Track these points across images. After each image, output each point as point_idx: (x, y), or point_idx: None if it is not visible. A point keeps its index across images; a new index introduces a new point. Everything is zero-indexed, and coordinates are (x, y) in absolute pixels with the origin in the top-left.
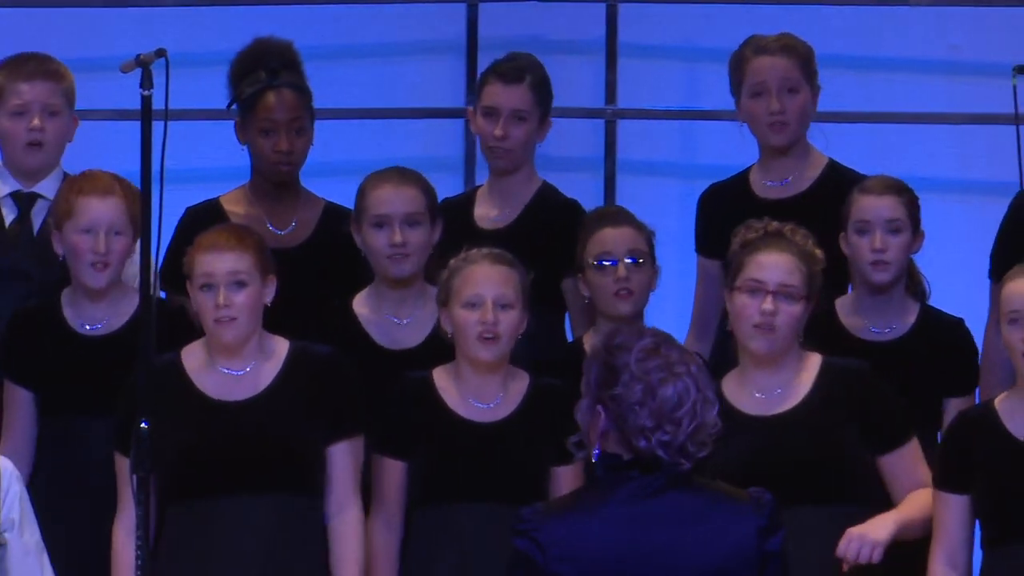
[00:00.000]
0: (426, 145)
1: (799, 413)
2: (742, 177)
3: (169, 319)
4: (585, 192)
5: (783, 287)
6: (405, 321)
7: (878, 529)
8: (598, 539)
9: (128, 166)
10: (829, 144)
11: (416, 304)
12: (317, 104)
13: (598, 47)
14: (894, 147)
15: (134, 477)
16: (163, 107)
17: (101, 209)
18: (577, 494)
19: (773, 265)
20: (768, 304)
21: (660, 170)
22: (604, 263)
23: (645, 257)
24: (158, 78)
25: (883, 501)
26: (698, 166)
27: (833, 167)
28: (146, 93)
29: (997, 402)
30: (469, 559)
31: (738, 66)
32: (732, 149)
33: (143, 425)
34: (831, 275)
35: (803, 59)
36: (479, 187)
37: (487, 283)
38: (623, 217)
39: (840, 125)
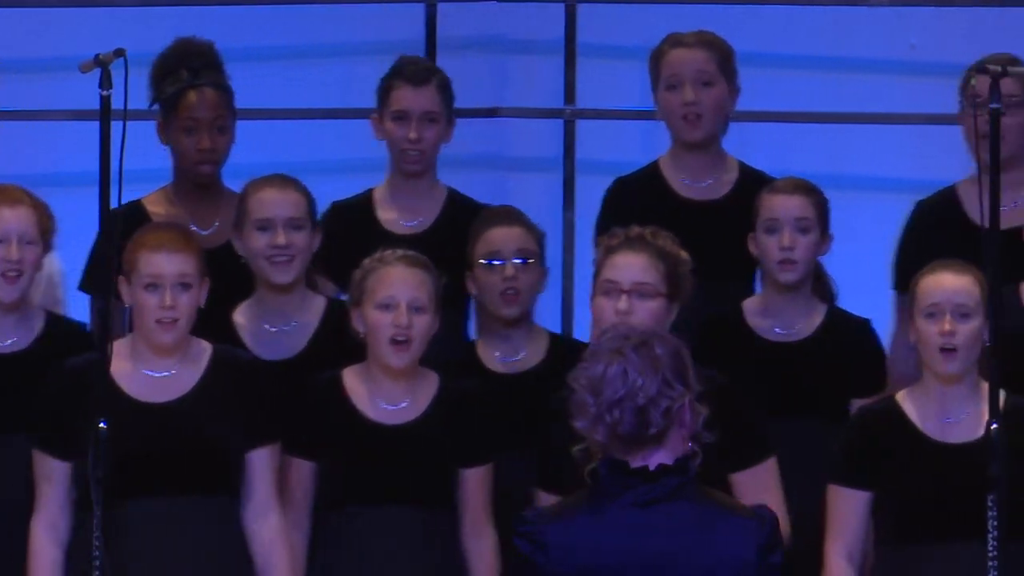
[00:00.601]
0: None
1: None
2: (653, 172)
3: (72, 340)
4: (544, 193)
5: (637, 285)
6: (284, 330)
7: None
8: (601, 544)
9: (87, 166)
10: (790, 144)
11: (296, 312)
12: (277, 104)
13: (557, 47)
14: (853, 147)
15: (93, 478)
16: (122, 107)
17: (12, 218)
18: (580, 498)
19: (626, 265)
20: (622, 303)
21: (619, 170)
22: (492, 262)
23: (534, 257)
24: (117, 78)
25: None
26: None
27: (746, 169)
28: (105, 93)
29: (899, 398)
30: (377, 561)
31: (656, 61)
32: None
33: (101, 426)
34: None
35: (720, 54)
36: (373, 189)
37: (402, 286)
38: (514, 216)
39: (798, 125)
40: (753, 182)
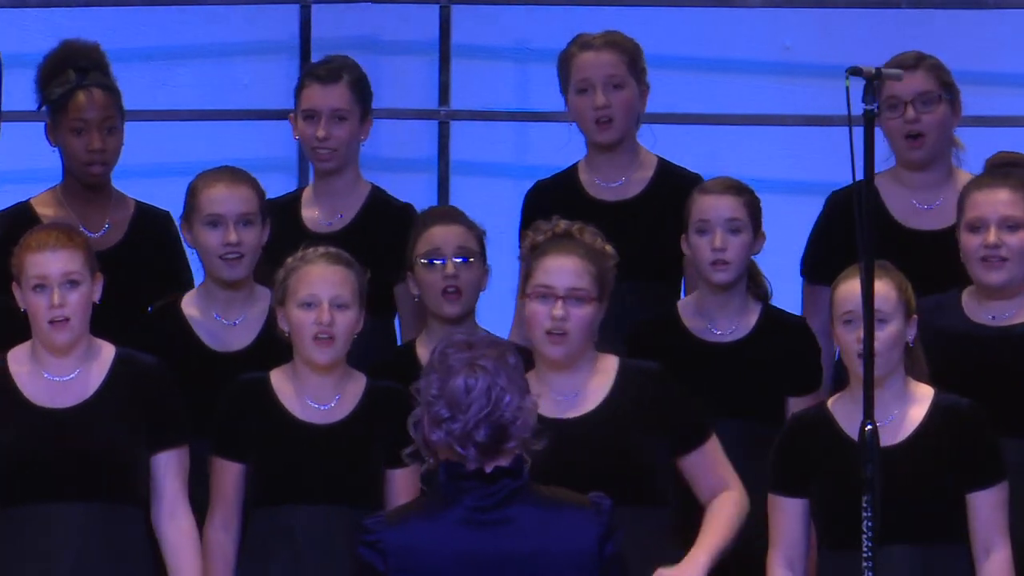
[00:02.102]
0: (259, 146)
1: (596, 417)
2: (570, 175)
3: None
4: (419, 193)
5: (572, 291)
6: (235, 322)
7: (689, 571)
8: (441, 548)
9: None
10: (662, 145)
11: (245, 305)
12: (150, 106)
13: (431, 48)
14: (728, 149)
15: None
16: None
17: None
18: (420, 503)
19: (560, 269)
20: (558, 310)
21: (493, 171)
22: (433, 261)
23: (475, 256)
24: None
25: (689, 503)
26: (531, 167)
27: (664, 167)
28: None
29: (830, 403)
30: (304, 561)
31: (565, 64)
32: (564, 150)
33: None
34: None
35: (629, 55)
36: (303, 188)
37: (323, 283)
38: (454, 215)
39: (673, 126)
40: (672, 179)
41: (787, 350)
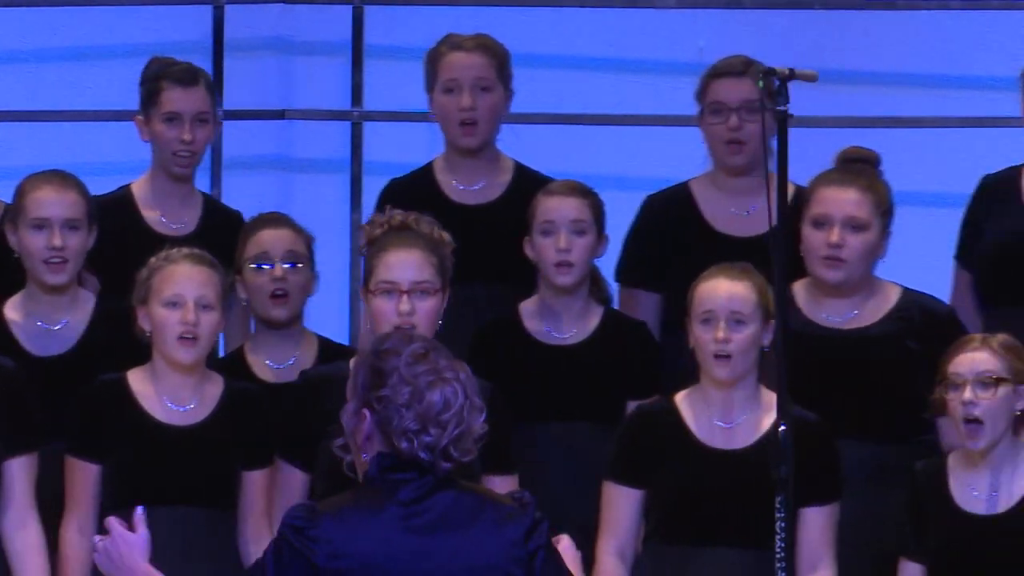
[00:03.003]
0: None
1: None
2: (426, 175)
3: None
4: (332, 194)
5: (417, 285)
6: (56, 327)
7: None
8: (374, 538)
9: None
10: (580, 148)
11: (68, 309)
12: (63, 106)
13: (344, 49)
14: (642, 150)
15: None
16: None
17: None
18: (353, 494)
19: (402, 264)
20: (404, 305)
21: (406, 172)
22: (261, 265)
23: (303, 260)
24: None
25: None
26: None
27: (522, 171)
28: None
29: (678, 399)
30: (160, 562)
31: (433, 62)
32: None
33: None
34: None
35: (498, 59)
36: (130, 185)
37: (188, 283)
38: (282, 220)
39: (587, 127)
40: (528, 183)
41: (628, 353)
